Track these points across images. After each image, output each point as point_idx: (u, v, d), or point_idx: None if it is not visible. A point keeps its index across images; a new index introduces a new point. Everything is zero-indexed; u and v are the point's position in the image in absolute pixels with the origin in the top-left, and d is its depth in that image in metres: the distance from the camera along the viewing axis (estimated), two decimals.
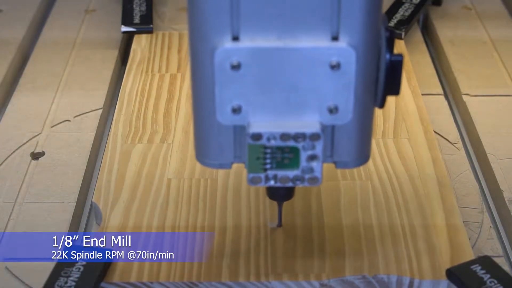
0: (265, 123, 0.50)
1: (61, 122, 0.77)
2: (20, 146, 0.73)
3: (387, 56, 0.51)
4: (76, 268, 0.57)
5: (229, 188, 0.67)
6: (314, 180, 0.52)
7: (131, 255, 0.60)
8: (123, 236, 0.61)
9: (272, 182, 0.52)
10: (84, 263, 0.58)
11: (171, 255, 0.60)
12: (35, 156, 0.72)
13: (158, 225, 0.62)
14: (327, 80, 0.49)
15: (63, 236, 0.63)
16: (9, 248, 0.62)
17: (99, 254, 0.58)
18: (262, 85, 0.50)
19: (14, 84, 0.85)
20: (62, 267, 0.57)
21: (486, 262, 0.58)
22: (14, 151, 0.73)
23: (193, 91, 0.52)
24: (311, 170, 0.51)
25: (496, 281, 0.56)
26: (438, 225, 0.62)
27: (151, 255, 0.60)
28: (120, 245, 0.60)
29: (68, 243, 0.62)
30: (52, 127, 0.76)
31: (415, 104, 0.77)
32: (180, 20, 0.96)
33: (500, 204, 0.68)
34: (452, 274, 0.57)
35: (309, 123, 0.50)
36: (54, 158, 0.72)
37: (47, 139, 0.75)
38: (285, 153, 0.51)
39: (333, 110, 0.50)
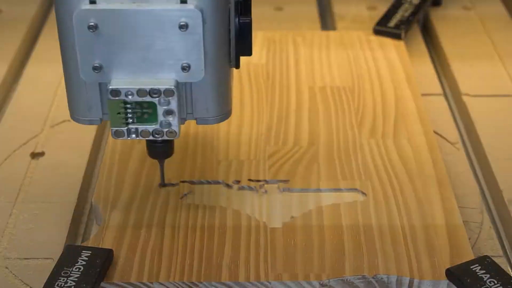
0: (123, 80, 0.55)
1: (61, 122, 0.77)
2: (20, 146, 0.73)
3: (236, 19, 0.56)
4: (76, 268, 0.57)
5: (230, 189, 0.67)
6: (173, 134, 0.57)
7: (131, 255, 0.60)
8: (123, 236, 0.61)
9: (133, 136, 0.57)
10: (84, 263, 0.58)
11: (171, 255, 0.60)
12: (35, 156, 0.72)
13: (158, 225, 0.63)
14: (178, 40, 0.54)
15: (63, 236, 0.63)
16: (9, 248, 0.62)
17: (99, 254, 0.58)
18: (119, 45, 0.54)
19: (14, 84, 0.85)
20: (62, 267, 0.57)
21: (486, 262, 0.58)
22: (14, 151, 0.73)
23: (61, 51, 0.56)
24: (169, 124, 0.56)
25: (496, 281, 0.56)
26: (438, 225, 0.62)
27: (151, 255, 0.60)
28: (120, 245, 0.61)
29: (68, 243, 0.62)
30: (52, 127, 0.76)
31: (415, 104, 0.77)
32: None
33: (499, 204, 0.68)
34: (451, 274, 0.57)
35: (164, 80, 0.55)
36: (54, 158, 0.72)
37: (47, 139, 0.75)
38: (144, 108, 0.56)
39: (186, 68, 0.55)
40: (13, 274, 0.60)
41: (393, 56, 0.85)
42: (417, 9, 0.93)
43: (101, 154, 0.74)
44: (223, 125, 0.74)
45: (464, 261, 0.59)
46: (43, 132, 0.76)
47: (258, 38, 0.89)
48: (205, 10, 0.54)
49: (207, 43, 0.55)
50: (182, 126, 0.74)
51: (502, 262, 0.61)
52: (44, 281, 0.57)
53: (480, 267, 0.57)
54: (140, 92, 0.55)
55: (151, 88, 0.55)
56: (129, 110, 0.56)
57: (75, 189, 0.68)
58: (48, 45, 0.91)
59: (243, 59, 0.86)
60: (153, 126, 0.56)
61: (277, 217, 0.64)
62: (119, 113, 0.56)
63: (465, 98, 0.81)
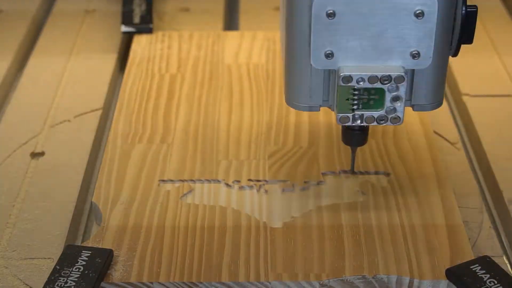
0: (354, 67, 0.56)
1: (61, 122, 0.77)
2: (20, 146, 0.73)
3: (463, 7, 0.57)
4: (76, 268, 0.57)
5: (230, 188, 0.67)
6: (397, 120, 0.57)
7: (131, 255, 0.60)
8: (123, 236, 0.61)
9: (358, 122, 0.57)
10: (84, 263, 0.58)
11: (171, 255, 0.60)
12: (35, 156, 0.72)
13: (158, 225, 0.63)
14: (411, 27, 0.55)
15: (63, 236, 0.63)
16: (9, 248, 0.62)
17: (99, 254, 0.58)
18: (353, 32, 0.55)
19: (14, 84, 0.85)
20: (62, 267, 0.57)
21: (485, 262, 0.58)
22: (14, 151, 0.73)
23: (289, 39, 0.57)
24: (394, 110, 0.57)
25: (495, 281, 0.56)
26: (437, 225, 0.62)
27: (151, 255, 0.60)
28: (120, 245, 0.61)
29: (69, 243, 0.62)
30: (52, 127, 0.76)
31: None
32: (180, 20, 0.96)
33: (500, 204, 0.68)
34: (451, 274, 0.57)
35: (394, 67, 0.56)
36: (54, 158, 0.72)
37: (47, 139, 0.75)
38: (371, 95, 0.56)
39: (415, 56, 0.56)
40: (13, 274, 0.60)
41: None
42: None
43: (101, 154, 0.74)
44: (223, 125, 0.74)
45: (464, 261, 0.59)
46: (43, 132, 0.76)
47: (258, 38, 0.89)
48: None
49: (438, 31, 0.56)
50: (183, 126, 0.74)
51: (502, 262, 0.61)
52: (44, 281, 0.57)
53: (480, 267, 0.57)
54: (371, 78, 0.55)
55: (382, 75, 0.55)
56: (357, 96, 0.56)
57: (75, 189, 0.68)
58: (48, 45, 0.91)
59: (242, 59, 0.87)
60: (379, 112, 0.57)
61: (277, 217, 0.64)
62: (347, 99, 0.56)
63: (465, 98, 0.81)
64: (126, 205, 0.65)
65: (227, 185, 0.67)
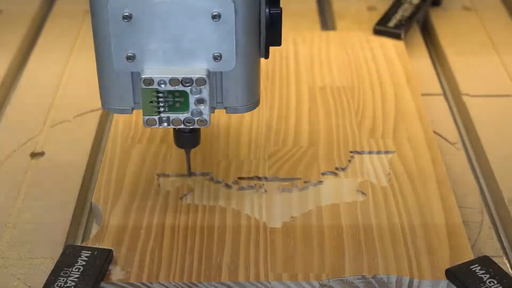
0: (156, 69, 0.56)
1: (61, 122, 0.77)
2: (20, 146, 0.73)
3: (266, 9, 0.57)
4: (76, 268, 0.57)
5: (229, 188, 0.67)
6: (203, 122, 0.58)
7: (131, 255, 0.60)
8: (122, 236, 0.61)
9: (165, 124, 0.58)
10: (84, 263, 0.58)
11: (171, 255, 0.60)
12: (35, 156, 0.72)
13: (158, 225, 0.63)
14: (210, 30, 0.56)
15: (63, 236, 0.63)
16: (9, 248, 0.62)
17: (99, 254, 0.58)
18: (153, 35, 0.56)
19: (14, 84, 0.85)
20: (62, 267, 0.57)
21: (485, 262, 0.58)
22: (14, 151, 0.73)
23: (94, 42, 0.58)
24: (200, 113, 0.57)
25: (495, 281, 0.56)
26: (437, 225, 0.62)
27: (151, 255, 0.60)
28: (120, 245, 0.61)
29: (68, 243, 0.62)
30: (52, 127, 0.76)
31: (414, 104, 0.77)
32: None
33: (499, 204, 0.68)
34: (451, 274, 0.57)
35: (196, 69, 0.56)
36: (54, 158, 0.72)
37: (47, 139, 0.75)
38: (176, 97, 0.57)
39: (217, 58, 0.56)
40: (13, 274, 0.60)
41: (393, 56, 0.85)
42: (417, 9, 0.93)
43: (101, 154, 0.74)
44: (223, 124, 0.74)
45: (464, 261, 0.59)
46: (43, 132, 0.76)
47: None
48: (237, 1, 0.55)
49: (239, 33, 0.56)
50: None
51: (502, 262, 0.61)
52: (44, 281, 0.57)
53: (480, 267, 0.57)
54: (173, 81, 0.56)
55: (184, 77, 0.56)
56: (161, 99, 0.57)
57: (75, 189, 0.68)
58: (48, 45, 0.91)
59: None
60: (185, 114, 0.57)
61: (277, 217, 0.64)
62: (151, 102, 0.57)
63: (465, 98, 0.81)
64: (126, 205, 0.65)
65: (227, 185, 0.67)
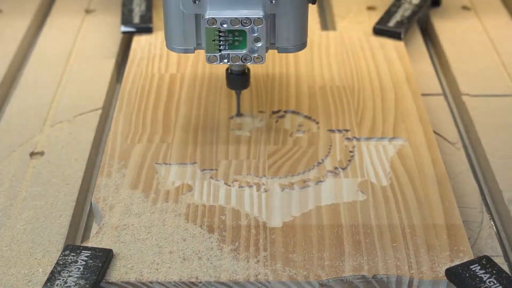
0: (219, 11, 0.63)
1: (61, 122, 0.77)
2: (20, 146, 0.73)
3: None
4: (76, 268, 0.57)
5: (229, 188, 0.67)
6: (259, 59, 0.64)
7: (131, 255, 0.60)
8: (122, 236, 0.61)
9: (225, 61, 0.65)
10: (84, 263, 0.58)
11: (171, 254, 0.60)
12: (35, 156, 0.72)
13: (158, 224, 0.63)
14: None
15: (63, 236, 0.63)
16: (9, 248, 0.62)
17: (99, 254, 0.58)
18: None
19: (14, 84, 0.85)
20: (62, 267, 0.57)
21: (485, 262, 0.58)
22: (14, 151, 0.73)
23: None
24: (256, 50, 0.64)
25: (495, 281, 0.56)
26: (437, 225, 0.62)
27: (151, 255, 0.60)
28: (120, 245, 0.61)
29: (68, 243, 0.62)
30: (52, 127, 0.76)
31: (414, 104, 0.77)
32: None
33: (499, 204, 0.68)
34: (451, 274, 0.57)
35: (255, 11, 0.63)
36: (54, 158, 0.72)
37: (47, 139, 0.75)
38: (235, 36, 0.64)
39: (273, 1, 0.63)
40: (13, 274, 0.60)
41: (393, 56, 0.85)
42: (417, 9, 0.93)
43: (101, 154, 0.74)
44: (223, 125, 0.74)
45: (464, 261, 0.59)
46: (43, 132, 0.76)
47: None
48: None
49: None
50: (182, 125, 0.74)
51: (502, 262, 0.61)
52: (44, 281, 0.57)
53: (480, 267, 0.57)
54: (233, 21, 0.63)
55: (243, 18, 0.62)
56: (222, 38, 0.63)
57: (75, 189, 0.68)
58: (48, 45, 0.91)
59: None
60: (243, 52, 0.64)
61: (277, 216, 0.64)
62: (214, 40, 0.63)
63: (465, 98, 0.81)
64: (126, 205, 0.65)
65: (227, 184, 0.67)
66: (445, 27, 0.94)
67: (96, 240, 0.61)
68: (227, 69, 0.71)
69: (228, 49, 0.64)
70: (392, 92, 0.79)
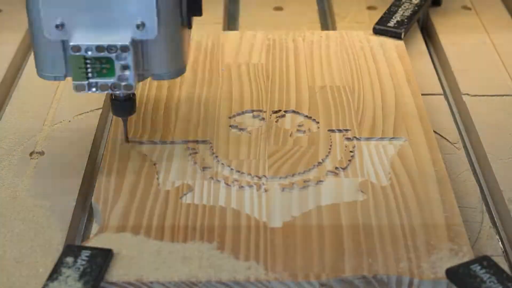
0: (84, 37, 0.60)
1: (61, 122, 0.77)
2: (20, 146, 0.73)
3: None
4: (76, 268, 0.57)
5: (229, 188, 0.67)
6: (128, 87, 0.62)
7: (131, 255, 0.60)
8: (122, 236, 0.61)
9: (94, 89, 0.62)
10: (84, 263, 0.58)
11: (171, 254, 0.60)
12: (35, 155, 0.72)
13: (158, 225, 0.63)
14: (133, 0, 0.60)
15: (63, 236, 0.63)
16: (9, 248, 0.62)
17: (99, 254, 0.58)
18: (80, 4, 0.60)
19: (14, 83, 0.85)
20: (61, 267, 0.57)
21: (486, 262, 0.58)
22: (14, 151, 0.73)
23: (27, 12, 0.61)
24: (126, 78, 0.61)
25: (495, 281, 0.56)
26: (438, 225, 0.62)
27: (151, 255, 0.60)
28: (119, 245, 0.60)
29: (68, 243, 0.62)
30: (52, 127, 0.76)
31: (415, 104, 0.77)
32: None
33: (500, 204, 0.68)
34: (451, 274, 0.57)
35: (121, 37, 0.61)
36: (54, 158, 0.72)
37: (47, 139, 0.75)
38: (102, 64, 0.61)
39: (140, 27, 0.61)
40: (13, 274, 0.60)
41: (393, 56, 0.85)
42: (417, 9, 0.93)
43: (101, 154, 0.74)
44: (223, 124, 0.74)
45: (464, 261, 0.59)
46: (43, 132, 0.76)
47: (258, 38, 0.89)
48: None
49: (160, 2, 0.60)
50: (182, 125, 0.74)
51: (502, 262, 0.61)
52: (44, 281, 0.57)
53: (480, 267, 0.57)
54: (99, 48, 0.60)
55: (109, 45, 0.60)
56: (89, 65, 0.61)
57: (75, 189, 0.68)
58: None
59: (242, 59, 0.87)
60: (111, 80, 0.61)
61: (277, 216, 0.64)
62: (80, 67, 0.61)
63: (465, 98, 0.81)
64: (126, 205, 0.64)
65: (227, 184, 0.67)
66: (445, 27, 0.94)
67: (96, 240, 0.61)
68: (111, 95, 0.67)
69: (97, 77, 0.61)
70: (392, 92, 0.79)
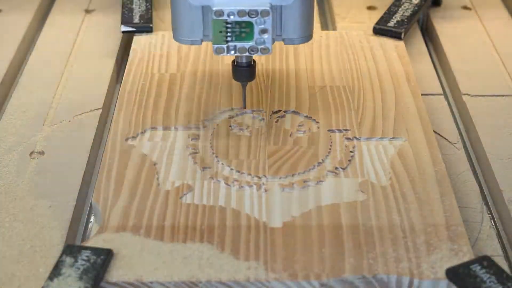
0: (226, 2, 0.64)
1: (61, 122, 0.77)
2: (20, 146, 0.73)
3: None
4: (76, 268, 0.57)
5: (229, 188, 0.67)
6: (266, 50, 0.66)
7: (131, 255, 0.60)
8: (122, 236, 0.61)
9: (232, 52, 0.66)
10: (84, 263, 0.58)
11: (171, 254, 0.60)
12: (35, 155, 0.72)
13: (158, 225, 0.63)
14: None
15: (63, 236, 0.63)
16: (9, 248, 0.62)
17: (99, 254, 0.58)
18: None
19: (14, 83, 0.85)
20: (61, 267, 0.57)
21: (485, 262, 0.58)
22: (13, 151, 0.73)
23: None
24: (263, 41, 0.65)
25: (495, 281, 0.56)
26: (437, 225, 0.62)
27: (151, 255, 0.60)
28: (119, 245, 0.60)
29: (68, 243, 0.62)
30: (52, 127, 0.76)
31: (415, 104, 0.77)
32: None
33: (500, 204, 0.68)
34: (451, 274, 0.57)
35: (261, 2, 0.64)
36: (54, 158, 0.72)
37: (47, 139, 0.75)
38: (242, 28, 0.65)
39: None
40: (13, 274, 0.60)
41: (393, 56, 0.85)
42: (417, 9, 0.93)
43: (101, 154, 0.74)
44: (223, 124, 0.74)
45: (464, 261, 0.59)
46: (42, 131, 0.76)
47: None
48: None
49: None
50: (182, 125, 0.74)
51: (502, 262, 0.61)
52: (44, 281, 0.57)
53: (480, 267, 0.57)
54: (240, 12, 0.64)
55: (250, 9, 0.64)
56: (229, 29, 0.65)
57: (75, 189, 0.68)
58: (48, 45, 0.91)
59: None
60: (250, 43, 0.65)
61: (277, 216, 0.64)
62: (221, 31, 0.65)
63: (465, 98, 0.81)
64: (126, 205, 0.64)
65: (227, 184, 0.67)
66: (445, 27, 0.94)
67: (96, 240, 0.61)
68: (233, 61, 0.71)
69: (235, 40, 0.65)
70: (392, 92, 0.79)
